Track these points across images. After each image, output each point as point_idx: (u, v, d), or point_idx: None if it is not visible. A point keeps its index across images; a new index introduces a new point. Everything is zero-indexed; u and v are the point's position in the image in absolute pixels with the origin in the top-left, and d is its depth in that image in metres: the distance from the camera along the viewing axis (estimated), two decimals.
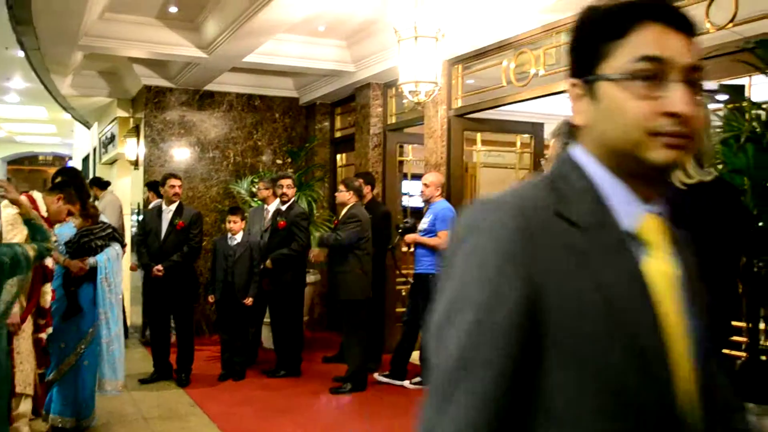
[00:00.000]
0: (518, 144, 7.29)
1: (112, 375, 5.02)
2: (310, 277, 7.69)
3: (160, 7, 6.93)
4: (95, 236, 5.13)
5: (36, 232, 3.52)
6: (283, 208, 6.85)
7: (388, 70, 7.25)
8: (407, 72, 5.96)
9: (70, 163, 20.43)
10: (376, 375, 6.61)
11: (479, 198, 1.05)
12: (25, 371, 4.21)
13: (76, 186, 5.17)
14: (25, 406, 4.32)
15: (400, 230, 6.60)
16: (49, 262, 4.34)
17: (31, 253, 3.32)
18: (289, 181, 6.94)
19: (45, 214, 4.21)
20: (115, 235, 5.30)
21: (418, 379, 6.41)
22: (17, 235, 3.65)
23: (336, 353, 7.30)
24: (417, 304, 6.40)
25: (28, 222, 3.54)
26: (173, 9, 6.94)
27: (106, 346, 4.96)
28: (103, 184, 8.58)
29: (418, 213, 7.23)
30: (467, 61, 6.74)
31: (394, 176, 8.21)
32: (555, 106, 5.98)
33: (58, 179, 5.23)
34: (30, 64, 8.25)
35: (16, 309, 3.98)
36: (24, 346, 4.21)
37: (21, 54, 8.08)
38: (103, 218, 5.42)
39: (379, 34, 7.13)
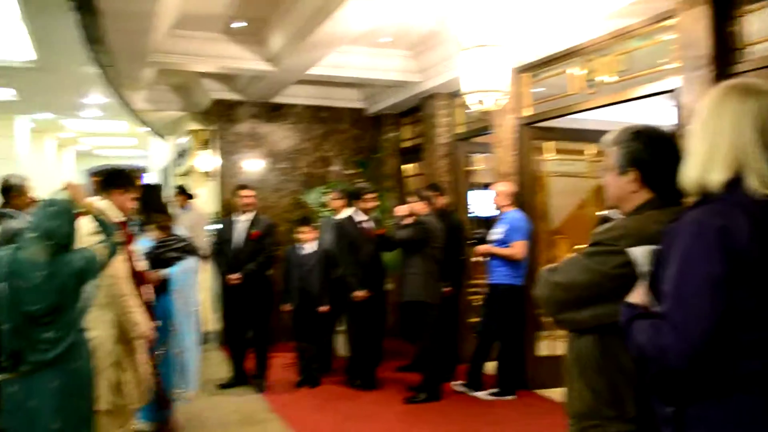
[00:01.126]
0: (589, 153, 7.11)
1: (184, 385, 5.13)
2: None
3: (225, 22, 7.10)
4: (169, 248, 5.26)
5: (104, 228, 3.61)
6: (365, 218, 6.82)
7: (454, 79, 7.18)
8: (470, 81, 5.91)
9: (146, 176, 21.04)
10: (452, 384, 6.58)
11: None
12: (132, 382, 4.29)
13: (151, 202, 5.32)
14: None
15: (471, 241, 6.55)
16: (139, 265, 4.45)
17: (102, 254, 3.40)
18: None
19: (117, 219, 4.30)
20: (190, 247, 5.40)
21: (494, 390, 6.36)
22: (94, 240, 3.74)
23: (410, 362, 7.29)
24: (491, 314, 6.32)
25: (95, 219, 3.63)
26: (239, 24, 7.08)
27: (177, 357, 5.08)
28: (189, 195, 8.79)
29: (487, 223, 7.13)
30: (535, 69, 6.64)
31: (463, 186, 8.14)
32: (626, 114, 5.81)
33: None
34: (105, 80, 8.51)
35: (142, 321, 4.14)
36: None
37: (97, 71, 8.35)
38: (179, 231, 5.53)
39: (444, 43, 7.12)
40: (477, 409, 6.07)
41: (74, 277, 3.18)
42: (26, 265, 3.13)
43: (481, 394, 6.39)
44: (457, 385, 6.59)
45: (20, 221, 4.42)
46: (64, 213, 3.26)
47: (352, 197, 6.87)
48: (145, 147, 19.40)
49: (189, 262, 5.33)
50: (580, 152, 7.31)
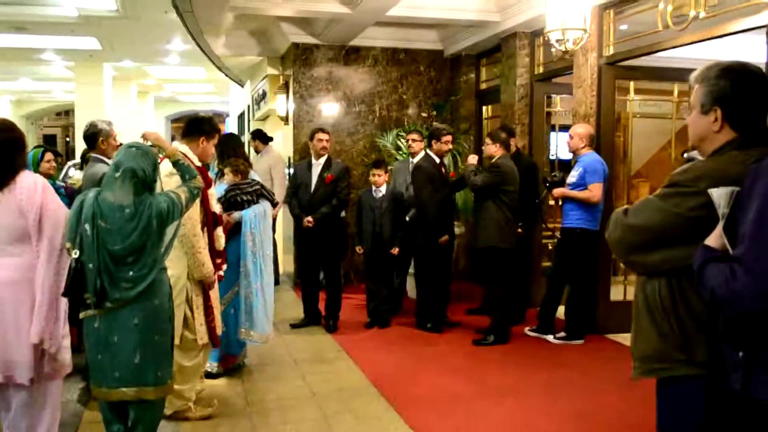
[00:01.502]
0: (675, 93, 6.82)
1: (251, 326, 5.26)
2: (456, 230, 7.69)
3: None
4: (242, 192, 5.36)
5: (184, 172, 3.68)
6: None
7: (535, 18, 7.01)
8: (554, 19, 5.73)
9: (228, 120, 21.46)
10: (526, 329, 6.58)
11: None
12: (199, 319, 4.45)
13: (227, 148, 5.42)
14: (200, 359, 4.57)
15: (547, 184, 6.45)
16: (216, 208, 4.57)
17: (184, 196, 3.48)
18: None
19: (198, 164, 4.42)
20: (263, 192, 5.49)
21: (562, 334, 6.33)
22: (174, 181, 3.85)
23: (479, 305, 7.31)
24: (564, 258, 6.26)
25: (175, 163, 3.71)
26: None
27: (245, 298, 5.22)
28: (265, 138, 8.91)
29: (566, 166, 6.99)
30: (619, 5, 6.36)
31: (542, 128, 7.97)
32: (717, 51, 5.52)
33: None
34: (185, 26, 8.64)
35: (208, 263, 4.29)
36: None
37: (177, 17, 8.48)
38: (254, 175, 5.62)
39: None
40: (544, 353, 6.06)
41: (157, 218, 3.25)
42: (110, 206, 3.20)
43: (550, 338, 6.37)
44: (528, 329, 6.58)
45: (105, 166, 4.60)
46: (146, 155, 3.32)
47: (431, 138, 6.82)
48: (224, 93, 19.75)
49: (261, 206, 5.40)
50: (666, 93, 7.03)
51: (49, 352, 3.39)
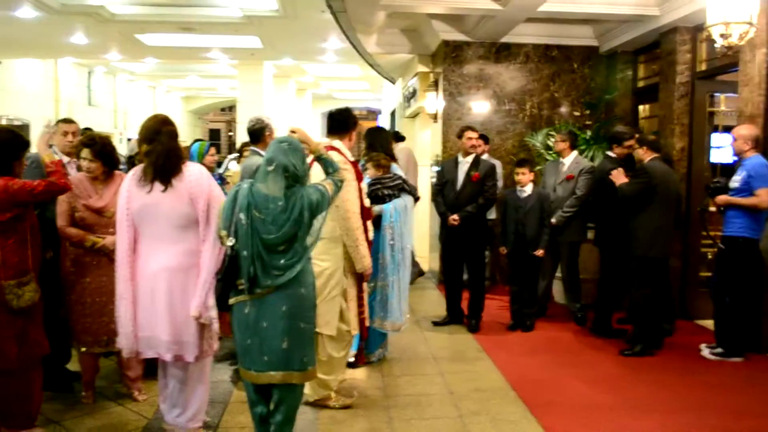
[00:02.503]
0: None
1: (384, 316, 5.35)
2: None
3: None
4: (384, 186, 5.44)
5: (327, 165, 3.80)
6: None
7: (698, 11, 6.60)
8: (715, 12, 5.39)
9: (380, 118, 21.88)
10: (703, 349, 6.08)
11: None
12: (353, 311, 4.64)
13: (374, 142, 5.53)
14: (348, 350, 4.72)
15: (709, 190, 6.05)
16: (366, 202, 4.69)
17: (330, 189, 3.60)
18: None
19: (351, 159, 4.57)
20: (404, 186, 5.55)
21: (719, 350, 5.91)
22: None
23: (625, 314, 7.00)
24: (725, 269, 5.85)
25: (319, 158, 3.83)
26: None
27: (381, 289, 5.31)
28: (397, 137, 9.01)
29: (728, 170, 6.54)
30: None
31: (703, 129, 7.50)
32: None
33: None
34: (339, 25, 8.87)
35: (367, 255, 4.49)
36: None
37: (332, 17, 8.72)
38: (396, 170, 5.68)
39: None
40: (697, 368, 5.70)
41: (307, 210, 3.40)
42: (264, 198, 3.37)
43: (706, 352, 5.98)
44: (711, 351, 6.02)
45: (261, 158, 4.84)
46: (296, 150, 3.47)
47: (612, 142, 6.62)
48: (378, 90, 20.12)
49: (402, 200, 5.47)
50: None
51: (207, 328, 3.70)
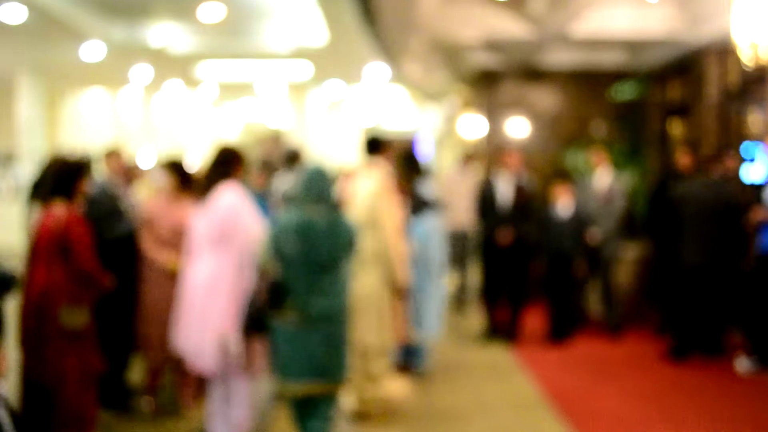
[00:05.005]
0: None
1: (419, 326, 5.52)
2: (631, 249, 7.63)
3: None
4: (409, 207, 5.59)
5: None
6: None
7: (726, 32, 6.72)
8: (745, 31, 5.53)
9: (421, 139, 22.12)
10: (741, 362, 6.01)
11: None
12: (393, 324, 4.80)
13: (406, 165, 5.80)
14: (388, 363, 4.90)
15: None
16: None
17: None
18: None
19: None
20: (429, 205, 5.75)
21: (747, 362, 5.91)
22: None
23: (659, 327, 7.08)
24: (761, 282, 5.86)
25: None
26: None
27: (412, 301, 5.44)
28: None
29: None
30: None
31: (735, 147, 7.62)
32: None
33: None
34: (382, 51, 9.25)
35: (405, 272, 4.70)
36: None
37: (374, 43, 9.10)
38: (421, 190, 5.86)
39: None
40: (735, 381, 5.71)
41: (351, 233, 3.71)
42: (309, 223, 3.62)
43: (743, 365, 5.92)
44: (740, 360, 6.02)
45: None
46: (327, 176, 3.77)
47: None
48: (420, 113, 20.41)
49: (430, 220, 5.67)
50: None
51: (233, 352, 3.89)
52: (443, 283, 5.89)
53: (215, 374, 3.99)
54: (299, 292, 3.60)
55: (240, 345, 3.90)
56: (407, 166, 5.87)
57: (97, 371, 3.97)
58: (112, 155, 5.14)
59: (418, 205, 5.71)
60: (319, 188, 3.69)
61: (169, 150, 22.07)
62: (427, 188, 5.98)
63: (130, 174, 5.26)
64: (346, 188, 4.96)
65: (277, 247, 3.65)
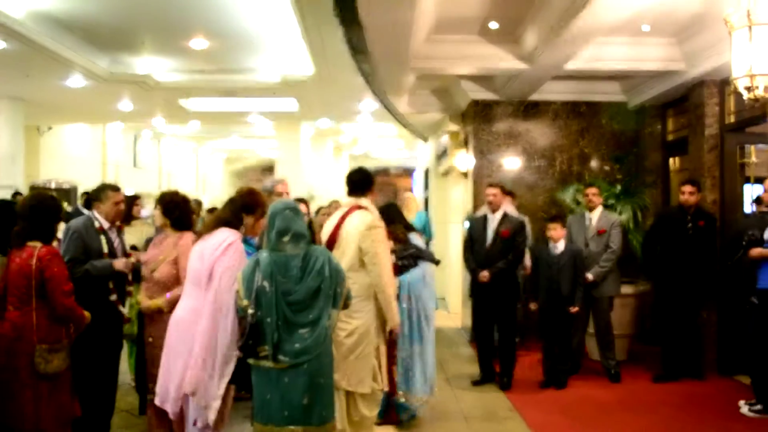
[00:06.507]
0: None
1: (407, 388, 5.38)
2: (628, 288, 7.45)
3: (481, 24, 7.23)
4: (398, 257, 5.45)
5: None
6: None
7: (724, 64, 6.62)
8: (742, 65, 5.43)
9: (414, 175, 22.11)
10: (742, 406, 5.90)
11: None
12: (384, 367, 4.66)
13: (393, 215, 5.61)
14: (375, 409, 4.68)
15: (744, 242, 5.98)
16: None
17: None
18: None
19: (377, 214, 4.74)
20: (420, 254, 5.62)
21: (759, 407, 5.75)
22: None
23: (662, 371, 6.90)
24: (758, 323, 5.74)
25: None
26: (494, 24, 7.18)
27: (402, 360, 5.33)
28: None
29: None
30: None
31: (734, 181, 7.46)
32: None
33: None
34: (371, 88, 9.11)
35: (398, 313, 4.57)
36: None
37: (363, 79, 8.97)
38: (413, 239, 5.76)
39: (712, 26, 6.56)
40: (736, 425, 5.57)
41: (329, 264, 3.59)
42: (285, 260, 3.54)
43: (745, 409, 5.82)
44: (742, 404, 5.91)
45: None
46: (299, 214, 3.69)
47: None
48: (413, 148, 20.37)
49: (420, 269, 5.54)
50: None
51: (198, 404, 3.71)
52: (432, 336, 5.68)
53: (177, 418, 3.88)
54: (274, 335, 3.48)
55: (208, 399, 3.72)
56: (397, 218, 5.71)
57: (72, 416, 3.94)
58: (109, 192, 4.93)
59: (413, 254, 5.59)
60: (294, 228, 3.61)
61: (156, 185, 21.92)
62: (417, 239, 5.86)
63: (125, 215, 5.21)
64: (326, 225, 4.76)
65: (250, 286, 3.55)
